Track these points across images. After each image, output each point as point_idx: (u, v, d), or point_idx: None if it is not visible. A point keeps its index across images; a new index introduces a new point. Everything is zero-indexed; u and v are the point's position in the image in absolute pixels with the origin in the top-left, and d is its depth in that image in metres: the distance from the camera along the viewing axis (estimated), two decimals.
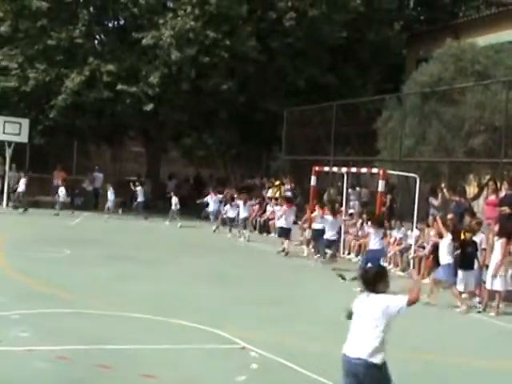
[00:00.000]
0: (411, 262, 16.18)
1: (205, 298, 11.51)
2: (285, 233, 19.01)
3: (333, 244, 17.27)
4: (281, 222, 19.36)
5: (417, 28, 32.72)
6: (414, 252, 16.06)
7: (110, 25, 30.29)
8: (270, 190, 26.04)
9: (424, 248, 15.78)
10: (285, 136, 26.33)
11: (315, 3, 26.45)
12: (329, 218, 17.29)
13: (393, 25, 29.40)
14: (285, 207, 19.62)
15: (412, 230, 16.43)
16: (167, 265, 15.16)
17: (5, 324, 8.60)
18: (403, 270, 16.26)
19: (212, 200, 24.66)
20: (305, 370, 7.54)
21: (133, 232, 22.55)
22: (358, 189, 22.78)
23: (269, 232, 23.48)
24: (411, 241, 16.34)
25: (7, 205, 26.76)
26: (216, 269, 15.18)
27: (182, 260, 16.15)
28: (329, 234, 17.15)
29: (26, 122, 27.25)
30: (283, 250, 18.51)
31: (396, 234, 17.06)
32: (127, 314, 9.50)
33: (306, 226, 19.95)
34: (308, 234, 19.25)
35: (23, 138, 27.30)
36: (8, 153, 27.46)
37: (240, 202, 22.49)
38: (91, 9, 28.39)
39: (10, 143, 27.25)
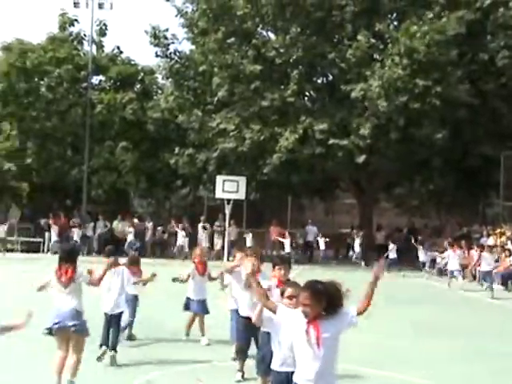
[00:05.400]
0: None
1: (417, 350, 11.07)
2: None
3: None
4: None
5: None
6: None
7: (319, 81, 31.07)
8: (491, 238, 24.83)
9: None
10: (503, 181, 25.18)
11: None
12: None
13: None
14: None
15: None
16: (376, 316, 14.80)
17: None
18: None
19: (423, 249, 24.16)
20: None
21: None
22: None
23: None
24: None
25: (228, 259, 27.93)
26: (430, 319, 14.64)
27: (394, 310, 15.76)
28: None
29: (243, 180, 28.77)
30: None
31: None
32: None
33: None
34: None
35: (241, 195, 28.86)
36: (227, 209, 29.10)
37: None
38: (300, 67, 29.35)
39: (228, 200, 28.90)
